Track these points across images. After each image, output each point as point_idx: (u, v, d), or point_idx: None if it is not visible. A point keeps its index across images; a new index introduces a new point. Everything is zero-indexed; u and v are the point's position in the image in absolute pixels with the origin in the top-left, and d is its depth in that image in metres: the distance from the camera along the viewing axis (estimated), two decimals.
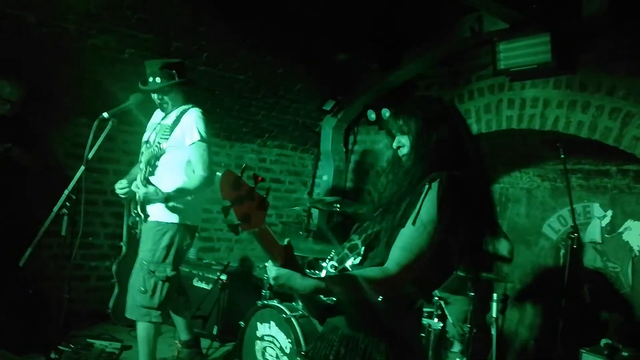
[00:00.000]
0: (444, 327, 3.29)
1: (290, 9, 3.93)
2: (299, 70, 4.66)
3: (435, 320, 3.21)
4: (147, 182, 2.85)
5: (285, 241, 1.45)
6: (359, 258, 1.55)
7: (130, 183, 3.00)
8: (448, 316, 3.35)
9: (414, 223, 1.41)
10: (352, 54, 4.44)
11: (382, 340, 1.46)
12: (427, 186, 1.45)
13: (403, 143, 1.62)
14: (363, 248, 1.56)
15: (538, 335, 4.65)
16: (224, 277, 3.89)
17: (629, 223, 4.38)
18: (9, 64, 3.63)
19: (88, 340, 3.75)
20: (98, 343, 3.73)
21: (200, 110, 3.04)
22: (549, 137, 3.97)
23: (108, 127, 2.82)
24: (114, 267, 4.08)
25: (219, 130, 5.00)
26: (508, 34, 3.84)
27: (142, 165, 2.99)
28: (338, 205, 4.25)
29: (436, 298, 3.27)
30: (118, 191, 3.07)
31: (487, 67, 4.20)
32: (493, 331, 3.67)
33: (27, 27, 3.48)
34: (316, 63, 4.61)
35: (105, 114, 2.80)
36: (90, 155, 2.80)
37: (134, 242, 3.33)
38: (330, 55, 4.42)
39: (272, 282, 1.42)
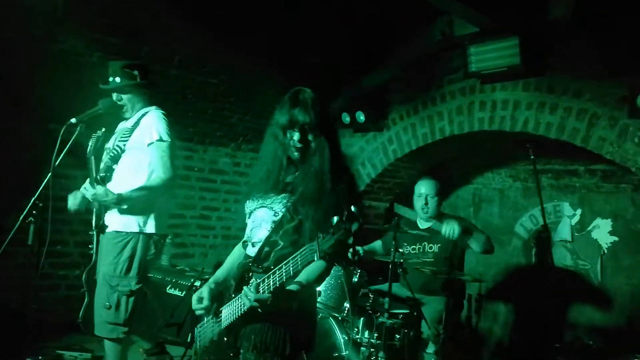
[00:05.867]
0: (418, 328, 3.31)
1: (262, 13, 3.92)
2: (273, 74, 4.65)
3: (411, 321, 3.23)
4: (96, 182, 2.69)
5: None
6: (286, 250, 1.70)
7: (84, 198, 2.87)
8: (423, 317, 3.37)
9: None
10: (325, 57, 4.44)
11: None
12: (345, 187, 1.68)
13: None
14: (282, 243, 1.72)
15: (512, 333, 4.73)
16: (198, 283, 3.84)
17: (598, 221, 4.50)
18: None
19: (57, 351, 3.65)
20: (67, 354, 3.64)
21: (161, 111, 2.91)
22: (519, 138, 4.04)
23: (76, 133, 2.76)
24: (83, 276, 3.99)
25: (193, 135, 4.95)
26: (478, 37, 3.91)
27: (92, 166, 2.77)
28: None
29: (411, 299, 3.30)
30: (70, 205, 2.92)
31: (458, 70, 4.26)
32: (467, 330, 3.72)
33: None
34: (290, 66, 4.59)
35: (73, 120, 2.74)
36: (57, 162, 2.74)
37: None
38: (303, 58, 4.42)
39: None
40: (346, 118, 4.95)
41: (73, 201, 2.91)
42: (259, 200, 1.83)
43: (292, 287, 1.64)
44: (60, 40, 3.65)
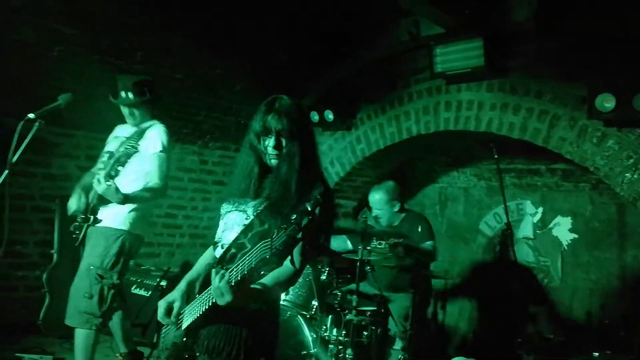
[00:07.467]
0: (386, 325, 3.35)
1: (226, 9, 3.87)
2: (239, 71, 4.60)
3: (378, 318, 3.26)
4: (110, 178, 2.81)
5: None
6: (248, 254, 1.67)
7: (85, 195, 3.01)
8: (391, 314, 3.41)
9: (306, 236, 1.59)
10: (292, 55, 4.43)
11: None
12: (318, 197, 1.61)
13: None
14: (249, 245, 1.68)
15: (476, 328, 4.83)
16: (163, 283, 3.78)
17: (558, 219, 4.64)
18: None
19: (16, 354, 3.53)
20: (27, 357, 3.52)
21: (164, 125, 3.19)
22: (484, 137, 4.13)
23: (34, 129, 2.68)
24: (44, 277, 3.89)
25: None
26: (444, 38, 3.97)
27: (105, 162, 3.01)
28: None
29: (379, 297, 3.33)
30: (70, 205, 3.02)
31: (424, 71, 4.31)
32: (433, 326, 3.78)
33: None
34: (257, 64, 4.56)
35: (31, 115, 2.66)
36: (14, 159, 2.65)
37: (66, 249, 3.23)
38: (270, 56, 4.40)
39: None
40: (315, 116, 4.94)
41: (77, 204, 3.02)
42: (234, 204, 1.83)
43: (255, 285, 1.63)
44: (16, 32, 3.52)
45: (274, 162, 1.77)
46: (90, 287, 2.93)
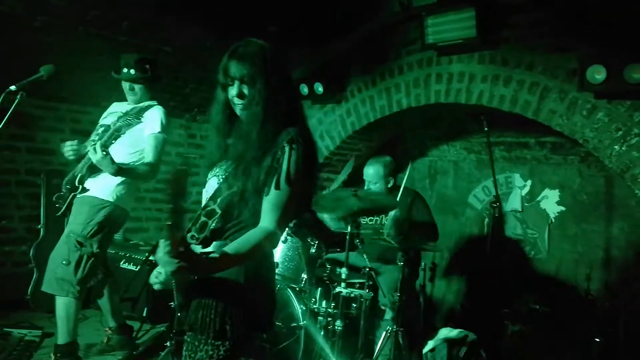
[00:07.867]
0: (375, 296, 3.38)
1: None
2: (228, 44, 4.51)
3: (367, 290, 3.28)
4: (105, 148, 2.84)
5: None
6: (219, 223, 1.60)
7: (79, 147, 3.02)
8: (380, 286, 3.44)
9: (278, 187, 1.54)
10: (282, 27, 4.33)
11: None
12: (287, 147, 1.53)
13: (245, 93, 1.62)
14: (220, 211, 1.57)
15: (464, 300, 4.90)
16: (152, 257, 3.76)
17: (546, 192, 4.66)
18: None
19: (4, 329, 3.52)
20: (16, 332, 3.52)
21: (163, 108, 3.23)
22: (474, 110, 4.10)
23: (16, 101, 2.62)
24: (31, 252, 3.87)
25: None
26: (435, 8, 3.90)
27: (100, 134, 3.07)
28: None
29: (367, 269, 3.34)
30: (66, 149, 3.01)
31: (416, 42, 4.25)
32: (421, 298, 3.83)
33: None
34: (246, 36, 4.46)
35: (12, 87, 2.61)
36: None
37: (53, 224, 3.22)
38: (260, 28, 4.29)
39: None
40: (304, 89, 4.88)
41: (71, 145, 3.02)
42: (214, 170, 1.72)
43: (214, 254, 1.49)
44: None
45: (240, 113, 1.64)
46: (68, 254, 2.95)
